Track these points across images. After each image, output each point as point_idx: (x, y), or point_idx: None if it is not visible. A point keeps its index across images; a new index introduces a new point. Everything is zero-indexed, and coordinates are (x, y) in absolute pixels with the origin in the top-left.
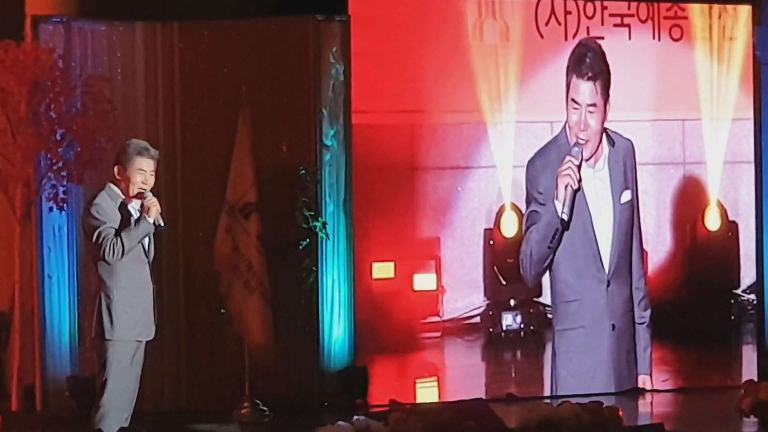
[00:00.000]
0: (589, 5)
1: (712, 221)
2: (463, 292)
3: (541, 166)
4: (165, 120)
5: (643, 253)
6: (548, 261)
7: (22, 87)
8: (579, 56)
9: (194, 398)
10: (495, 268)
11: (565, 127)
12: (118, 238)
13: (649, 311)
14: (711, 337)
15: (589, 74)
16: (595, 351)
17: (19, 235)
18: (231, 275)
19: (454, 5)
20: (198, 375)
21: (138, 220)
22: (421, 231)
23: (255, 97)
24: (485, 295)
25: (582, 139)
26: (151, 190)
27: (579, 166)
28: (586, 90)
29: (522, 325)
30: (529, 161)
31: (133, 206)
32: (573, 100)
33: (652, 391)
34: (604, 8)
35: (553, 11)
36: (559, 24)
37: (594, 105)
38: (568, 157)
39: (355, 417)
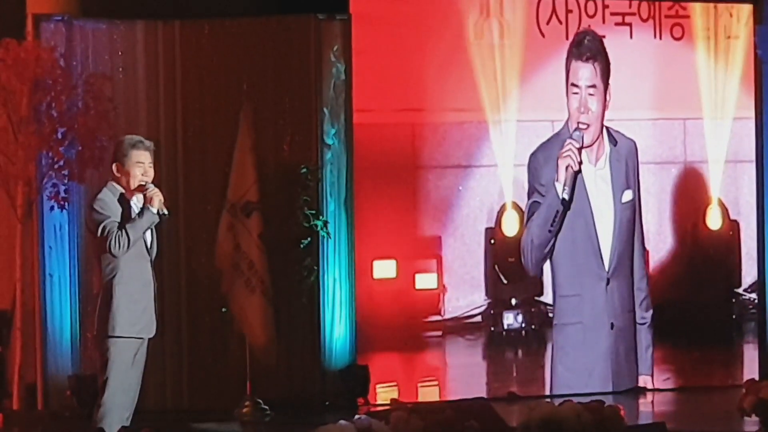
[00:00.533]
0: (591, 4)
1: (714, 220)
2: (464, 291)
3: (544, 159)
4: (166, 119)
5: (645, 253)
6: (549, 246)
7: (24, 86)
8: (578, 41)
9: (196, 397)
10: (496, 266)
11: (566, 122)
12: (123, 231)
13: (650, 312)
14: (712, 336)
15: (588, 54)
16: (593, 348)
17: (21, 233)
18: (232, 274)
19: (456, 4)
20: (199, 374)
21: (141, 211)
22: (423, 230)
23: (256, 96)
24: (486, 294)
25: (583, 123)
26: (153, 182)
27: (580, 150)
28: (585, 72)
29: (523, 324)
30: (531, 154)
31: (135, 202)
32: (573, 84)
33: (654, 390)
34: (605, 7)
35: (554, 10)
36: (561, 23)
37: (593, 86)
38: (569, 141)
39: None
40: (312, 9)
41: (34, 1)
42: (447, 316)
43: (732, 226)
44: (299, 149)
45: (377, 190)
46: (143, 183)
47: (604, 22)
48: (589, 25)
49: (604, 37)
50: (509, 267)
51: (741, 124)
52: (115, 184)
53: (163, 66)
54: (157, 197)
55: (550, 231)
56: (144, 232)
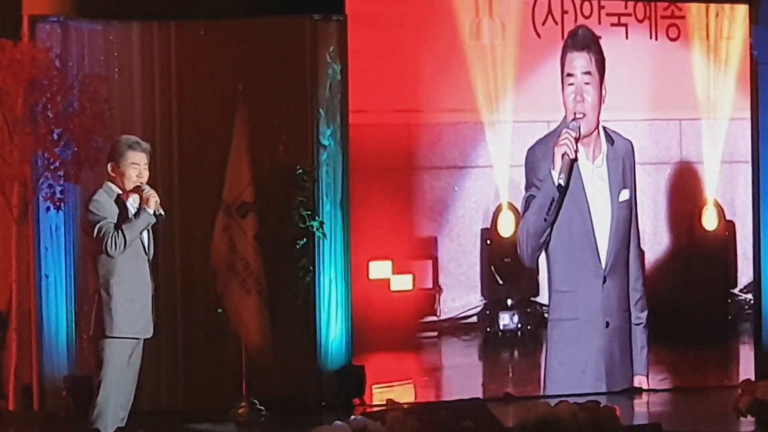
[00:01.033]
0: (586, 4)
1: (709, 221)
2: (460, 292)
3: (542, 153)
4: (162, 119)
5: (640, 254)
6: (545, 237)
7: (19, 86)
8: (573, 33)
9: (191, 398)
10: (492, 267)
11: (563, 120)
12: (119, 231)
13: (646, 312)
14: (708, 337)
15: (582, 44)
16: (588, 345)
17: (16, 234)
18: (228, 274)
19: (451, 5)
20: (195, 374)
21: (137, 212)
22: (418, 230)
23: (252, 97)
24: (482, 294)
25: (579, 113)
26: (147, 184)
27: (577, 140)
28: (580, 60)
29: (519, 325)
30: (529, 149)
31: (131, 202)
32: (569, 74)
33: (649, 390)
34: (601, 7)
35: (549, 10)
36: (556, 23)
37: (589, 73)
38: (565, 130)
39: (353, 416)
40: (308, 9)
41: (29, 2)
42: (443, 317)
43: (728, 227)
44: (295, 150)
45: (373, 190)
46: (138, 184)
47: (599, 22)
48: (584, 25)
49: (600, 37)
50: (505, 267)
51: (737, 124)
52: (111, 184)
53: (158, 66)
54: (154, 198)
55: (545, 219)
56: (140, 233)
